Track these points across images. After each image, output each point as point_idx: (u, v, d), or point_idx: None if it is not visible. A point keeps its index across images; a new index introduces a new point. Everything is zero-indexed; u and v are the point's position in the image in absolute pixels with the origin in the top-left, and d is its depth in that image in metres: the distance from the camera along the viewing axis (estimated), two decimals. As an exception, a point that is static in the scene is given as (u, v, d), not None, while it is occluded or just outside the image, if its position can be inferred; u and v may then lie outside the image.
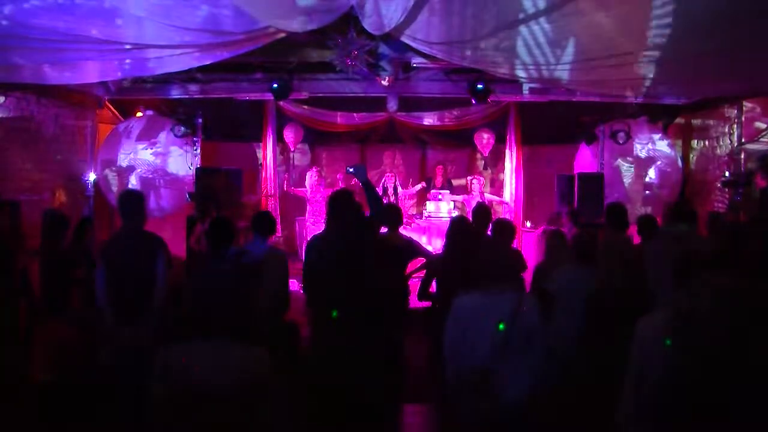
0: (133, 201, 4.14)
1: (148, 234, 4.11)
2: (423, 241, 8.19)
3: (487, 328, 2.78)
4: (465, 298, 2.93)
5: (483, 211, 4.91)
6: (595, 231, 4.85)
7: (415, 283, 4.92)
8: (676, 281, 2.44)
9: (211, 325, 2.22)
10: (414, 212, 9.51)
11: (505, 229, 4.60)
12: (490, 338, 2.76)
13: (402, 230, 5.04)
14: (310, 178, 8.97)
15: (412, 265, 5.02)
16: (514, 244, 5.69)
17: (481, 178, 9.24)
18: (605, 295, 3.62)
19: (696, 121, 8.16)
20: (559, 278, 3.91)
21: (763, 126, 6.87)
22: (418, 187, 9.37)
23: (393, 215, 4.83)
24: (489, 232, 4.89)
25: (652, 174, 8.07)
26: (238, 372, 2.19)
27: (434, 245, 7.86)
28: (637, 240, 5.00)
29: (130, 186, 7.89)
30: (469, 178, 9.36)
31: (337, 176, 9.60)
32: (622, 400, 2.40)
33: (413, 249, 4.92)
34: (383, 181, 9.19)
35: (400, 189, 9.22)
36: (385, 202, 7.85)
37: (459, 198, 8.98)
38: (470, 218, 5.08)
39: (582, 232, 4.43)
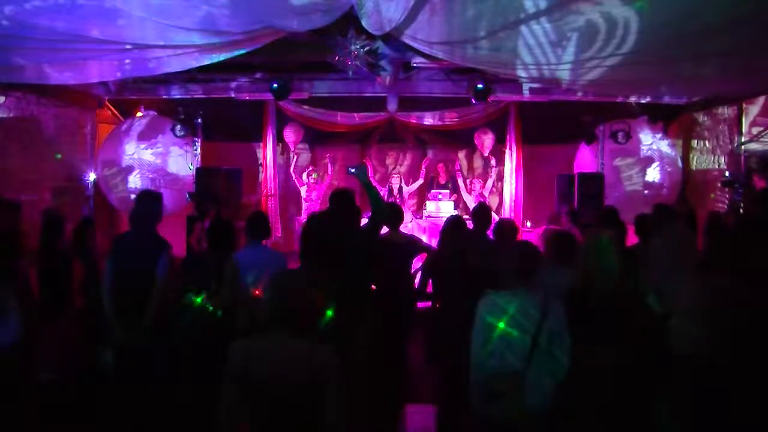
0: (148, 202, 4.18)
1: (154, 236, 4.14)
2: (424, 240, 8.19)
3: (517, 330, 2.74)
4: (490, 299, 2.88)
5: (483, 210, 4.90)
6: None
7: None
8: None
9: (286, 322, 2.26)
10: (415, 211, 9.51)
11: (507, 230, 4.59)
12: (519, 341, 2.73)
13: (402, 229, 5.04)
14: (307, 176, 9.01)
15: (416, 263, 5.02)
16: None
17: (480, 180, 9.22)
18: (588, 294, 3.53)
19: (696, 121, 8.16)
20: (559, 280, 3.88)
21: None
22: (419, 182, 9.38)
23: (394, 215, 4.82)
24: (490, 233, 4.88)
25: (652, 174, 8.07)
26: (308, 369, 2.21)
27: (434, 245, 7.86)
28: (633, 239, 5.00)
29: (129, 186, 7.91)
30: (468, 180, 9.37)
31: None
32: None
33: (415, 246, 4.92)
34: (389, 181, 9.18)
35: (405, 188, 9.22)
36: (389, 202, 7.86)
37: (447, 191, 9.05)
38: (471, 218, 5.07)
39: (558, 232, 4.39)
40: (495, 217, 6.00)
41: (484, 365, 2.81)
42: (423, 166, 9.43)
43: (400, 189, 9.13)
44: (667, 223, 4.62)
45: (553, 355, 2.72)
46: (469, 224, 5.02)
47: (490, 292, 2.89)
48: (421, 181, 9.38)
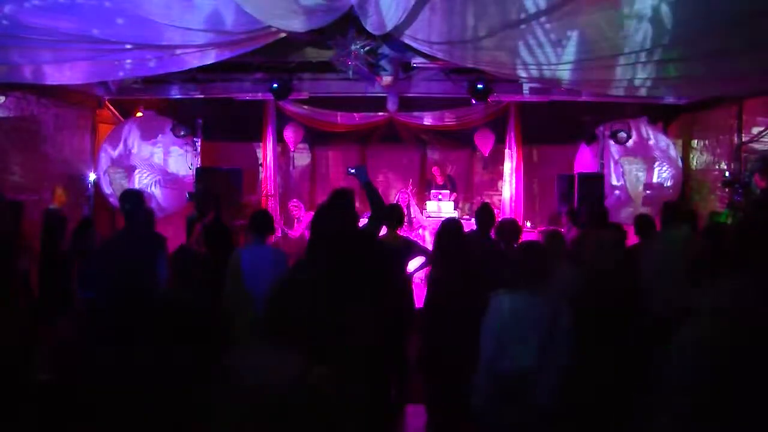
0: (134, 200, 4.14)
1: (149, 233, 4.11)
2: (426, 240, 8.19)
3: (529, 330, 2.75)
4: (503, 299, 2.88)
5: (486, 211, 4.88)
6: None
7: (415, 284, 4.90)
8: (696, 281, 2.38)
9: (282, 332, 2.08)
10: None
11: (510, 229, 4.58)
12: (531, 341, 2.74)
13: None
14: (293, 211, 8.66)
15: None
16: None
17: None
18: (590, 294, 3.54)
19: (696, 121, 8.16)
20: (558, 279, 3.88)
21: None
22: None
23: (394, 215, 4.81)
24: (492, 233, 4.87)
25: (656, 174, 8.07)
26: (295, 380, 2.00)
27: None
28: (634, 240, 5.00)
29: (130, 186, 7.89)
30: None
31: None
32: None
33: (412, 248, 4.91)
34: (396, 199, 8.66)
35: (414, 208, 8.67)
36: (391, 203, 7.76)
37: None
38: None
39: (581, 233, 4.39)
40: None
41: (497, 366, 2.82)
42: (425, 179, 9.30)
43: (408, 206, 8.77)
44: (667, 225, 4.63)
45: (560, 354, 2.74)
46: (468, 225, 5.01)
47: (502, 291, 2.89)
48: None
